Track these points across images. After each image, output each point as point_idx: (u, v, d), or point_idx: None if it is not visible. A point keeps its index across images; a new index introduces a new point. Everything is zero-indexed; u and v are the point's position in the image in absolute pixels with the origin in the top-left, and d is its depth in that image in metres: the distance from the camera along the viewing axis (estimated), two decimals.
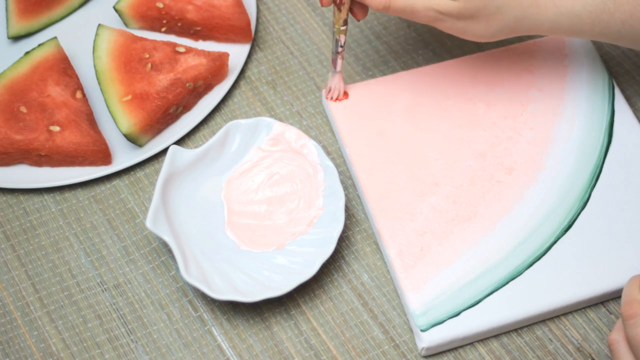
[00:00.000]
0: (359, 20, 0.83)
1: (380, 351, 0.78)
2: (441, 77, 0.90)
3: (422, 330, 0.76)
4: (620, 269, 0.79)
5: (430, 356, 0.78)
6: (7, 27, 0.94)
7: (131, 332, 0.79)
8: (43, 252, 0.83)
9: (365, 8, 0.81)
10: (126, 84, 0.88)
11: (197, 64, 0.90)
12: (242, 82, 0.93)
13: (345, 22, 0.82)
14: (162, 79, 0.88)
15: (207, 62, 0.90)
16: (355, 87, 0.89)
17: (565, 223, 0.82)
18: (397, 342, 0.79)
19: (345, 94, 0.89)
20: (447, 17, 0.77)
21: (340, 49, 0.84)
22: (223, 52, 0.90)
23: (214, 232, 0.82)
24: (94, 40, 0.91)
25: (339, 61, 0.86)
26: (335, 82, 0.87)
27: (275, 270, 0.80)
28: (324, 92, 0.89)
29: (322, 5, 0.80)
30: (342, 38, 0.84)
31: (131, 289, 0.81)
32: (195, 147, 0.89)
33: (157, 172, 0.88)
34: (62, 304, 0.80)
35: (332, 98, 0.88)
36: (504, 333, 0.79)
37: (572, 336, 0.79)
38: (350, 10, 0.82)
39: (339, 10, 0.81)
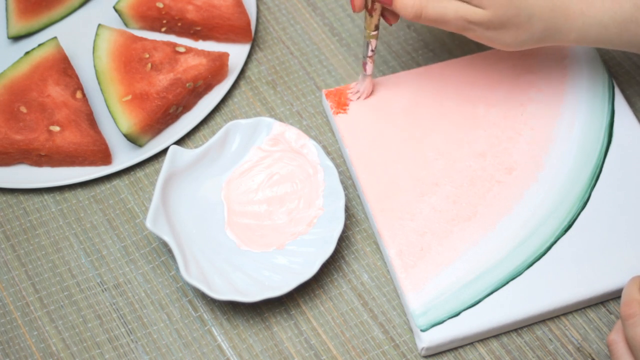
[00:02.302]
0: (391, 25, 0.84)
1: (380, 351, 0.78)
2: (441, 77, 0.90)
3: (422, 330, 0.76)
4: (620, 269, 0.79)
5: (430, 356, 0.78)
6: (7, 27, 0.94)
7: (131, 332, 0.79)
8: (43, 252, 0.83)
9: (396, 15, 0.82)
10: (126, 84, 0.88)
11: (197, 64, 0.90)
12: (242, 82, 0.93)
13: (377, 27, 0.83)
14: (162, 79, 0.88)
15: (207, 62, 0.90)
16: (356, 87, 0.89)
17: (565, 223, 0.82)
18: (397, 342, 0.79)
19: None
20: (477, 26, 0.78)
21: (371, 53, 0.85)
22: (223, 52, 0.90)
23: (214, 232, 0.82)
24: (94, 40, 0.91)
25: (370, 65, 0.86)
26: (365, 86, 0.88)
27: (275, 270, 0.80)
28: (324, 92, 0.89)
29: (355, 11, 0.81)
30: (373, 43, 0.84)
31: (131, 289, 0.81)
32: (195, 147, 0.89)
33: (157, 172, 0.88)
34: (62, 304, 0.80)
35: (358, 98, 0.89)
36: (504, 333, 0.79)
37: (572, 336, 0.79)
38: (382, 15, 0.82)
39: (370, 15, 0.82)
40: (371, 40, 0.84)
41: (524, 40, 0.79)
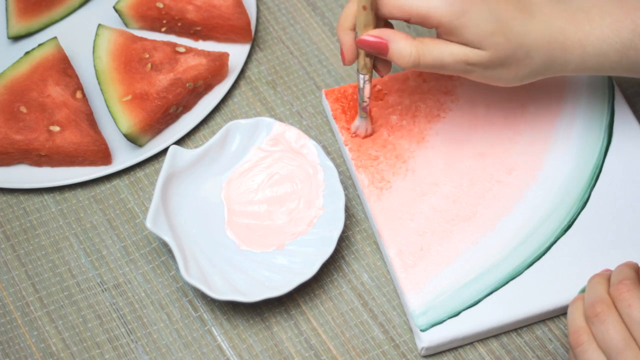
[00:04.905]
0: (382, 77, 0.81)
1: (380, 351, 0.78)
2: (441, 78, 0.90)
3: (422, 330, 0.76)
4: None
5: (430, 356, 0.78)
6: (7, 27, 0.94)
7: (131, 332, 0.79)
8: (43, 252, 0.83)
9: (389, 65, 0.80)
10: (126, 84, 0.88)
11: (197, 64, 0.90)
12: (242, 82, 0.93)
13: (370, 71, 0.79)
14: (162, 79, 0.88)
15: (207, 62, 0.90)
16: (355, 87, 0.89)
17: (565, 223, 0.82)
18: (397, 342, 0.79)
19: (372, 132, 0.86)
20: (477, 67, 0.76)
21: (367, 100, 0.81)
22: (223, 52, 0.90)
23: (214, 232, 0.82)
24: (94, 40, 0.91)
25: (367, 108, 0.83)
26: (365, 126, 0.85)
27: (275, 270, 0.80)
28: (324, 92, 0.89)
29: (345, 64, 0.79)
30: (367, 89, 0.80)
31: (131, 289, 0.81)
32: (195, 147, 0.89)
33: (157, 172, 0.88)
34: (62, 304, 0.80)
35: (356, 136, 0.86)
36: (504, 333, 0.79)
37: None
38: (374, 67, 0.79)
39: (365, 68, 0.79)
40: (365, 85, 0.80)
41: (524, 75, 0.78)
